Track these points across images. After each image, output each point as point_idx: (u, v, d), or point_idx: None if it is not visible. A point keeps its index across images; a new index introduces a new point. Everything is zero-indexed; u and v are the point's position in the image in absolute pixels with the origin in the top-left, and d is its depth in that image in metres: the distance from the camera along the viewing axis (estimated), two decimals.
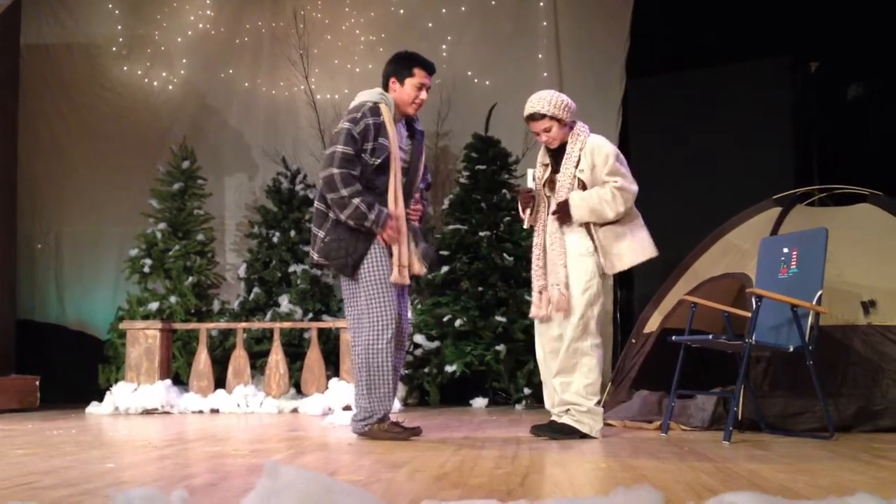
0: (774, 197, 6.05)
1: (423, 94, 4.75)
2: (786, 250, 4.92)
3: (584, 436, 4.57)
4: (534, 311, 4.80)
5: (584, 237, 4.69)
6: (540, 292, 4.76)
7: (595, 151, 4.67)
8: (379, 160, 4.54)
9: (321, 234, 4.59)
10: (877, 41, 8.13)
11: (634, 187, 4.66)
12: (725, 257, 5.76)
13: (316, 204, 4.65)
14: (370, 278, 4.53)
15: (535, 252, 4.83)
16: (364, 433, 4.54)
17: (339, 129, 4.53)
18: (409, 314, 8.12)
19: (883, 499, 2.02)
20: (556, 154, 4.81)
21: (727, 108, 8.32)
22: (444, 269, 8.37)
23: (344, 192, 4.42)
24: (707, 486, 2.75)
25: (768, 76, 8.40)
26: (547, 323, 4.78)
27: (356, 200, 4.43)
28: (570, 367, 4.61)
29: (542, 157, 4.91)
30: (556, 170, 4.80)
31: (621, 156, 4.74)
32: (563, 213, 4.68)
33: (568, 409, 4.62)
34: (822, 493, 2.51)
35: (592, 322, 4.64)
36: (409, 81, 4.70)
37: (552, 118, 4.69)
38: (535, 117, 4.72)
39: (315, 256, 4.62)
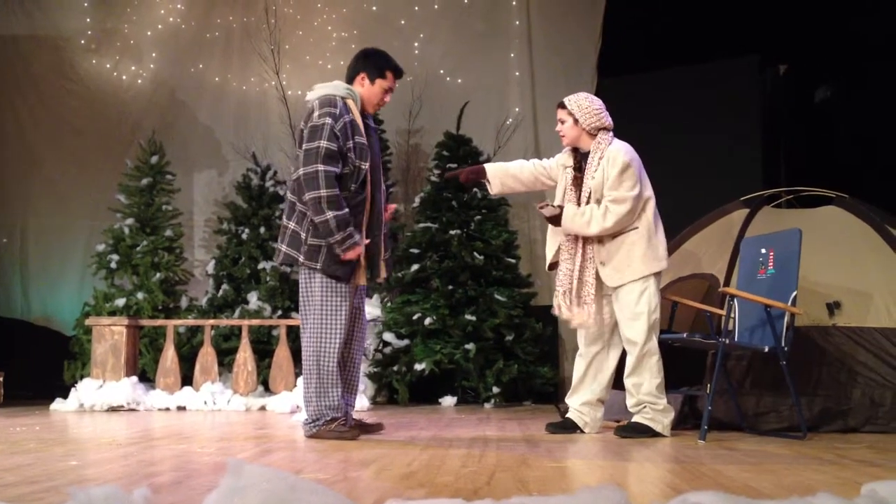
0: (742, 198, 6.10)
1: (388, 98, 4.74)
2: (763, 251, 4.97)
3: (656, 434, 4.63)
4: (562, 314, 4.86)
5: (629, 244, 4.73)
6: (565, 293, 4.82)
7: (610, 162, 4.74)
8: (366, 163, 4.48)
9: (302, 234, 4.45)
10: (845, 44, 8.23)
11: (630, 195, 4.66)
12: (693, 258, 5.80)
13: (290, 197, 4.55)
14: (328, 282, 4.46)
15: (563, 255, 4.87)
16: (312, 435, 4.51)
17: (319, 123, 4.39)
18: (379, 311, 8.15)
19: (845, 499, 2.04)
20: (581, 159, 4.91)
21: (697, 108, 8.39)
22: (415, 267, 8.36)
23: (323, 193, 4.30)
24: (672, 486, 2.77)
25: (738, 77, 8.49)
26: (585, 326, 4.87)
27: (330, 214, 4.31)
28: (639, 369, 4.71)
29: (566, 158, 4.99)
30: (577, 169, 4.90)
31: (634, 164, 4.74)
32: (554, 223, 4.83)
33: (644, 407, 4.69)
34: (785, 493, 2.53)
35: (655, 325, 4.72)
36: (379, 82, 4.65)
37: (570, 113, 4.86)
38: (560, 105, 4.94)
39: (301, 258, 4.44)
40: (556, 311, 4.89)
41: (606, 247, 4.76)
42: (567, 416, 4.92)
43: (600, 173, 4.75)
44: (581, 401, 4.90)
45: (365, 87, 4.66)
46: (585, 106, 4.84)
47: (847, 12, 8.00)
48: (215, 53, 10.00)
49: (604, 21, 9.28)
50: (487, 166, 5.10)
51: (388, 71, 4.68)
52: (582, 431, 4.88)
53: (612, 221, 4.66)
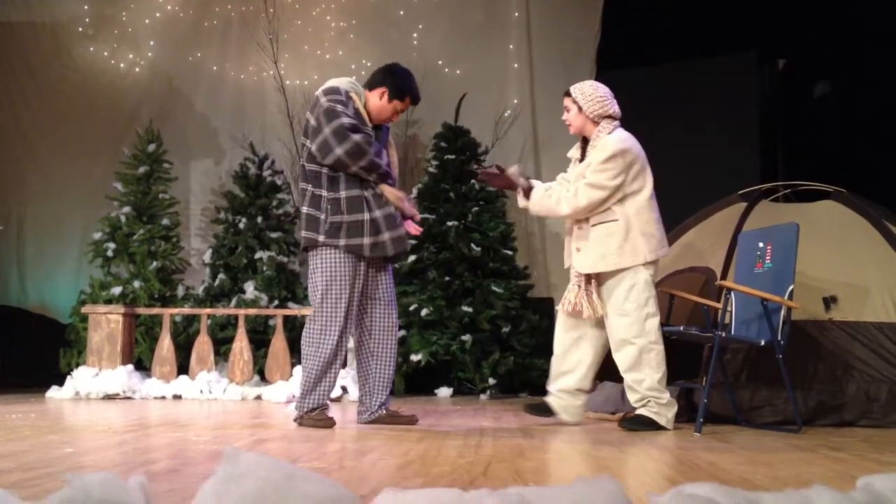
0: (740, 192, 6.10)
1: (396, 119, 4.86)
2: (761, 245, 4.96)
3: (659, 428, 4.62)
4: (574, 307, 4.79)
5: (605, 235, 4.69)
6: (579, 287, 4.77)
7: (599, 149, 4.71)
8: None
9: (321, 216, 4.51)
10: (844, 39, 8.22)
11: (609, 184, 4.61)
12: (690, 251, 5.80)
13: (302, 185, 4.60)
14: (349, 257, 4.58)
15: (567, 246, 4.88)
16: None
17: (329, 106, 4.45)
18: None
19: (839, 491, 2.04)
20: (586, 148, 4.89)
21: (695, 102, 8.38)
22: (412, 258, 8.36)
23: (372, 155, 4.44)
24: (667, 477, 2.77)
25: (736, 72, 8.48)
26: (569, 314, 4.82)
27: (376, 160, 4.49)
28: (637, 364, 4.66)
29: (574, 151, 4.99)
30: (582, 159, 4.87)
31: (627, 156, 4.66)
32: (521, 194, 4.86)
33: (648, 401, 4.67)
34: (780, 486, 2.53)
35: (650, 319, 4.65)
36: (396, 103, 4.69)
37: (574, 101, 4.82)
38: (566, 93, 4.90)
39: (322, 238, 4.50)
40: (567, 307, 4.79)
41: (584, 232, 4.72)
42: (545, 399, 4.91)
43: (589, 158, 4.73)
44: (559, 387, 4.87)
45: (381, 102, 4.69)
46: (589, 93, 4.80)
47: (846, 6, 7.99)
48: (213, 42, 9.96)
49: (603, 14, 9.27)
50: (521, 181, 4.96)
51: (409, 96, 4.74)
52: (558, 415, 4.84)
53: (586, 201, 4.62)
